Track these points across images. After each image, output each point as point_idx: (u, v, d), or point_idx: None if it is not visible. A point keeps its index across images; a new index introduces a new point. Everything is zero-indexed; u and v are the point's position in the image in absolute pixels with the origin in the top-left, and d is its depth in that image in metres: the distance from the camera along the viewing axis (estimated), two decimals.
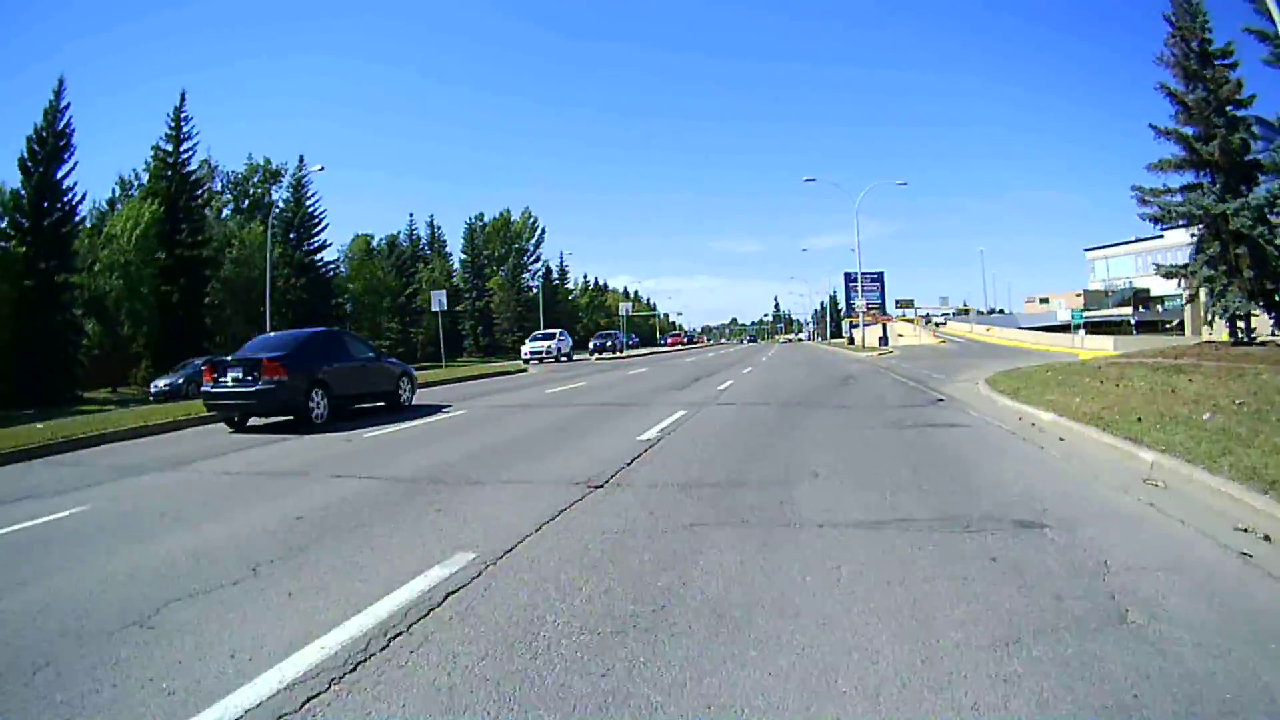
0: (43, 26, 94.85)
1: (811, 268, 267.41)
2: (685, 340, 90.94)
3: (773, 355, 38.43)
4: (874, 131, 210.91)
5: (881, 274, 71.32)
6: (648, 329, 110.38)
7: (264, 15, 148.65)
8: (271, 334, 15.05)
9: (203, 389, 11.46)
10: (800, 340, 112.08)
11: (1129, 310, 74.70)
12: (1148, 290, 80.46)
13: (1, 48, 70.63)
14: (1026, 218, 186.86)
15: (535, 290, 78.95)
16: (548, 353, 33.52)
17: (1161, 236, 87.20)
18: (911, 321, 60.05)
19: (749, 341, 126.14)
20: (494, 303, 70.09)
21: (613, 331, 54.27)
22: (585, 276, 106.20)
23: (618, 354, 43.34)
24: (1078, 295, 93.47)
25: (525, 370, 26.87)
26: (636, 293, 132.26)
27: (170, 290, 40.04)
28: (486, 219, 77.28)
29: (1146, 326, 68.78)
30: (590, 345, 44.75)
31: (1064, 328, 67.88)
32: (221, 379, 11.04)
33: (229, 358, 11.48)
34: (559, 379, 20.50)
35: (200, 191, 44.99)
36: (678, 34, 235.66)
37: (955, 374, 17.03)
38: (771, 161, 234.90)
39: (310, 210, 51.47)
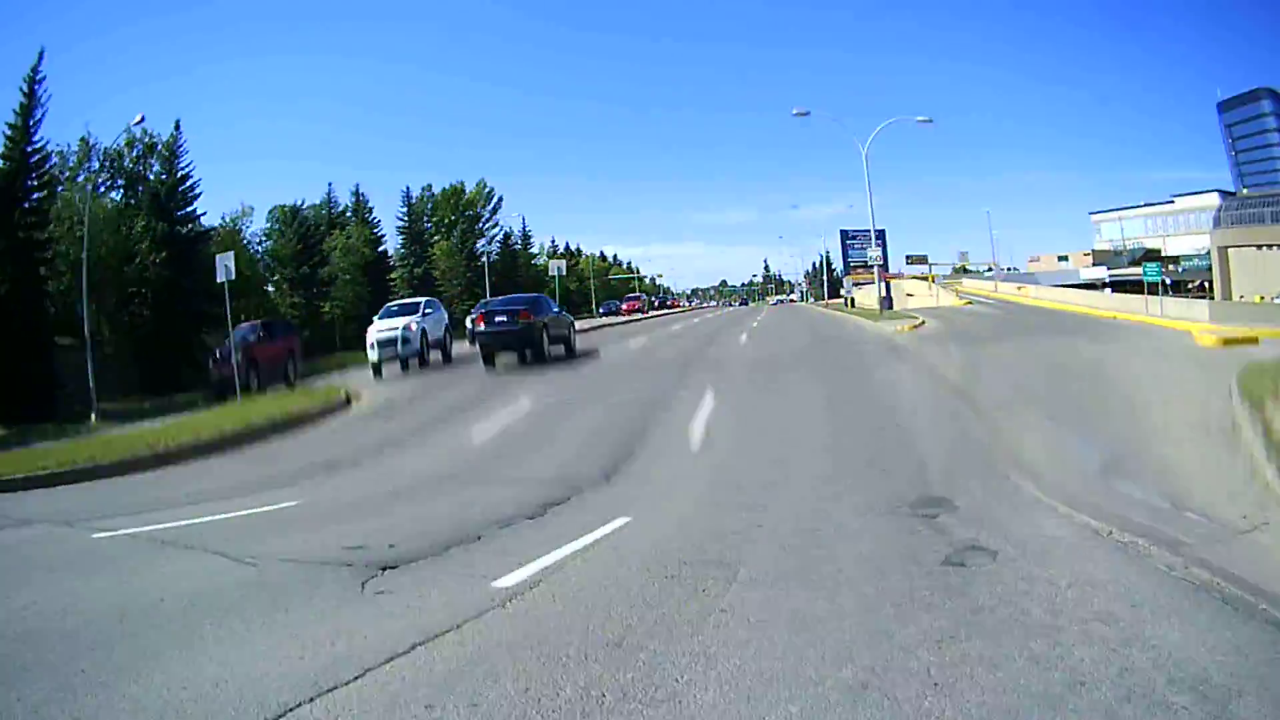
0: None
1: (803, 234, 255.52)
2: (648, 305, 69.84)
3: (762, 324, 28.45)
4: (868, 107, 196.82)
5: (883, 232, 60.59)
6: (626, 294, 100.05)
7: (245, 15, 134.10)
8: (498, 297, 24.02)
9: (474, 330, 18.43)
10: (794, 301, 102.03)
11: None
12: (1158, 250, 72.04)
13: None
14: (1027, 191, 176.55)
15: (493, 256, 68.48)
16: (405, 344, 18.07)
17: (1172, 202, 79.46)
18: (925, 279, 49.61)
19: (740, 304, 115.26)
20: (438, 271, 59.34)
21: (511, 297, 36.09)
22: (554, 241, 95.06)
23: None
24: (1086, 254, 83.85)
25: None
26: (615, 256, 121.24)
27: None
28: (436, 190, 66.47)
29: (1173, 288, 59.28)
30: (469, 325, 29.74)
31: (1089, 286, 58.14)
32: (490, 324, 17.09)
33: (489, 309, 18.45)
34: None
35: (49, 166, 34.96)
36: (660, 18, 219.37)
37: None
38: (766, 139, 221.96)
39: (182, 176, 41.34)
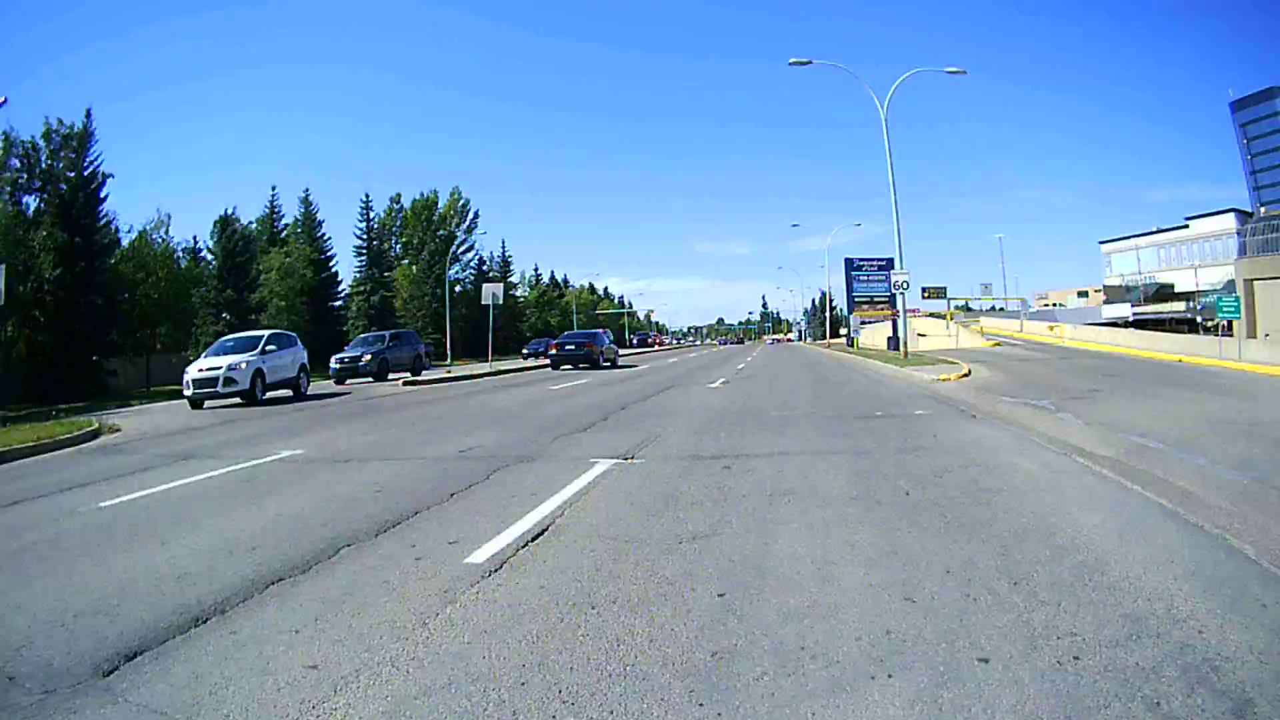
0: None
1: (804, 265, 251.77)
2: (598, 343, 57.89)
3: (751, 365, 22.16)
4: (867, 132, 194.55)
5: (890, 261, 54.97)
6: (614, 330, 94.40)
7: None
8: (572, 332, 36.03)
9: (550, 353, 26.93)
10: (790, 341, 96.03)
11: (1179, 307, 60.97)
12: (1171, 285, 66.13)
13: None
14: (1029, 215, 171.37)
15: (468, 283, 62.65)
16: (228, 384, 14.18)
17: (1186, 226, 75.26)
18: (942, 317, 43.39)
19: (735, 343, 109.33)
20: (399, 300, 53.23)
21: (375, 335, 28.64)
22: (537, 269, 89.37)
23: (387, 376, 22.16)
24: (1097, 290, 78.78)
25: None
26: (606, 289, 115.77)
27: None
28: (406, 202, 60.60)
29: (1189, 327, 53.55)
30: (333, 363, 23.03)
31: (1112, 325, 52.45)
32: (564, 349, 25.05)
33: (564, 339, 27.54)
34: None
35: None
36: (657, 33, 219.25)
37: None
38: (763, 163, 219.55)
39: (91, 174, 35.79)
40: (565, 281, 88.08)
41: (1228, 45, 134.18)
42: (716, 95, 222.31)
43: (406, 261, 58.36)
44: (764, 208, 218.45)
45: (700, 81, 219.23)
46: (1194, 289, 64.64)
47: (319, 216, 48.48)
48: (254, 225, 46.53)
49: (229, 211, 41.75)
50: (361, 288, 52.08)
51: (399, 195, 59.78)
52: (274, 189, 50.03)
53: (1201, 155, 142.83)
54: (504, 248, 71.33)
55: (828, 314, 66.30)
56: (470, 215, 62.67)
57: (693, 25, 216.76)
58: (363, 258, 52.91)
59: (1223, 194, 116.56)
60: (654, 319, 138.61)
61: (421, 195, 60.70)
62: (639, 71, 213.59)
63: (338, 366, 22.38)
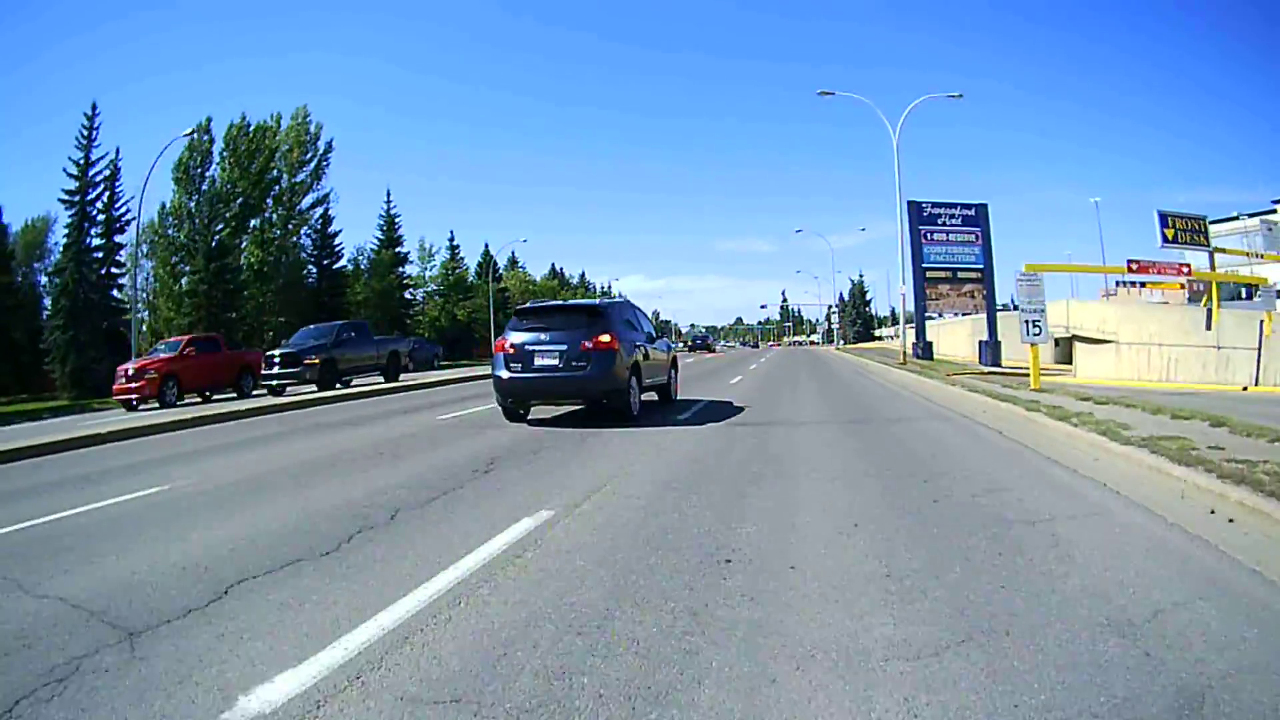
0: None
1: (824, 266, 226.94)
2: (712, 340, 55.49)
3: None
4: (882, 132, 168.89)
5: (984, 208, 30.92)
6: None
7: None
8: (700, 330, 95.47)
9: (687, 345, 54.20)
10: (814, 345, 72.56)
11: None
12: (1264, 280, 46.35)
13: None
14: (1032, 215, 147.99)
15: (304, 255, 40.65)
16: None
17: (1275, 210, 55.61)
18: (1165, 305, 18.04)
19: (750, 346, 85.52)
20: (169, 297, 30.93)
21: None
22: (452, 239, 64.44)
23: None
24: (1181, 285, 56.93)
25: None
26: (583, 274, 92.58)
27: None
28: (219, 131, 38.35)
29: None
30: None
31: None
32: (695, 341, 54.96)
33: (693, 336, 69.45)
34: None
35: None
36: (678, 33, 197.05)
37: None
38: (790, 160, 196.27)
39: None
40: (514, 262, 65.03)
41: (1225, 48, 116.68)
42: (738, 92, 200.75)
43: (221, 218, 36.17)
44: (785, 205, 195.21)
45: (722, 79, 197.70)
46: None
47: None
48: None
49: None
50: (66, 265, 29.77)
51: (208, 122, 37.38)
52: None
53: (1205, 161, 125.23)
54: (389, 201, 48.20)
55: (903, 302, 41.08)
56: (320, 151, 40.36)
57: (719, 24, 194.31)
58: (73, 210, 30.46)
59: (1242, 197, 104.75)
60: (662, 316, 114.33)
61: (243, 119, 38.58)
62: (659, 69, 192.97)
63: None
